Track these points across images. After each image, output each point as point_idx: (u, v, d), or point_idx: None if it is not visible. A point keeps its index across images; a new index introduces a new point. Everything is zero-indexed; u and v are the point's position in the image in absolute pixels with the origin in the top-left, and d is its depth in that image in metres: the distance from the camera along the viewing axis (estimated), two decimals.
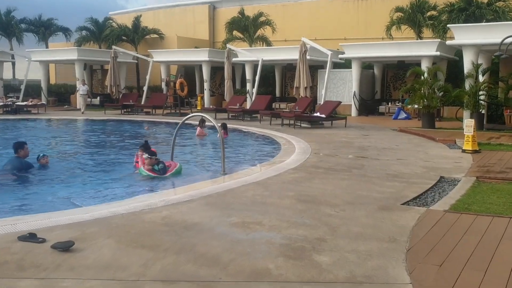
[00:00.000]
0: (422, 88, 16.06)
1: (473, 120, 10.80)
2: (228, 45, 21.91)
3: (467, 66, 15.99)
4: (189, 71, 31.14)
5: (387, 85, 25.20)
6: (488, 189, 6.93)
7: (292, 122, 16.37)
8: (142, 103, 24.19)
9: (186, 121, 9.43)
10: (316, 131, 15.34)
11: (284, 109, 25.83)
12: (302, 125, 17.01)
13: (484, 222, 5.17)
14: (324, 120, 16.71)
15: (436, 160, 9.49)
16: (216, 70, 28.45)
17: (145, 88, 24.46)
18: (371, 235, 4.72)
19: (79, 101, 23.18)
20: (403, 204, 6.04)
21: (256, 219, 5.17)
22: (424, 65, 20.81)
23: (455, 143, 12.40)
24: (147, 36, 31.65)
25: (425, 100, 15.79)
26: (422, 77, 16.39)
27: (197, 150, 12.50)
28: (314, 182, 7.19)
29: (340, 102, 16.91)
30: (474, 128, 10.65)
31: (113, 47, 25.00)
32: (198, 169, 9.12)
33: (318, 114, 16.64)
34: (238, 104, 19.99)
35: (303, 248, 4.30)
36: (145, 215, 5.32)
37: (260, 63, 21.55)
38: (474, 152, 10.52)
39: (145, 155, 8.18)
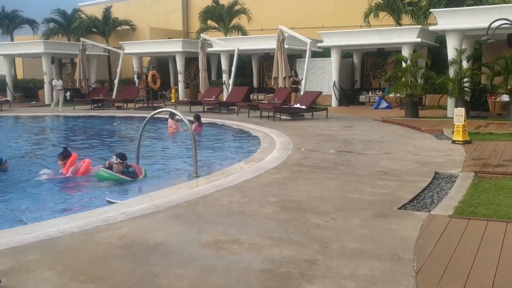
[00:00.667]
0: (405, 76, 15.42)
1: (463, 109, 10.16)
2: (202, 35, 20.93)
3: (451, 52, 15.39)
4: (162, 63, 30.07)
5: (366, 74, 24.60)
6: (491, 186, 6.25)
7: (271, 114, 15.57)
8: (113, 97, 23.08)
9: (157, 115, 8.56)
10: (296, 123, 14.58)
11: (262, 100, 25.03)
12: (282, 117, 16.24)
13: (498, 230, 4.46)
14: (305, 112, 15.95)
15: (427, 153, 8.81)
16: (191, 61, 27.46)
17: (116, 82, 23.33)
18: (370, 252, 3.96)
19: (55, 97, 21.59)
20: (400, 208, 5.30)
21: (233, 235, 4.35)
22: (405, 53, 20.18)
23: (443, 133, 11.79)
24: (118, 28, 30.39)
25: (408, 89, 15.15)
26: (405, 65, 15.73)
27: (168, 147, 11.59)
28: (298, 184, 6.41)
29: (320, 93, 16.18)
30: (464, 118, 10.01)
31: (81, 39, 23.76)
32: (167, 171, 8.21)
33: (298, 105, 15.87)
34: (214, 96, 19.08)
35: (289, 274, 3.51)
36: (100, 233, 4.46)
37: (236, 52, 20.65)
38: (465, 142, 9.89)
39: (115, 160, 7.28)
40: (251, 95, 25.86)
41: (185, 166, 8.42)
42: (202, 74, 20.78)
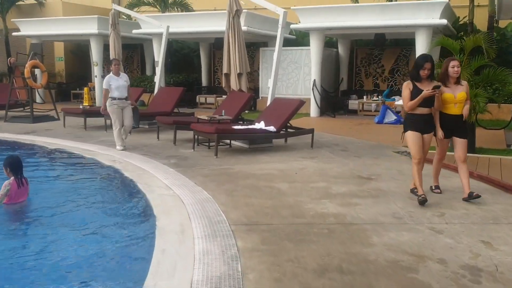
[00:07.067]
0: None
1: None
2: (114, 5, 13.49)
3: None
4: (80, 50, 22.62)
5: (357, 70, 17.77)
6: None
7: (213, 140, 8.39)
8: None
9: None
10: (259, 163, 7.50)
11: (212, 104, 17.92)
12: (233, 144, 9.18)
13: None
14: (275, 138, 8.97)
15: None
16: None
17: None
18: None
19: (113, 114, 8.85)
20: None
21: None
22: (420, 41, 13.58)
23: None
24: (20, 2, 22.47)
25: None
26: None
27: None
28: None
29: (302, 103, 9.14)
30: None
31: None
32: None
33: (262, 124, 8.82)
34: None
35: None
36: None
37: (165, 33, 13.38)
38: None
39: None
40: (197, 98, 18.72)
41: None
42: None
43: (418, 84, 5.36)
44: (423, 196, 5.19)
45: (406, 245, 4.03)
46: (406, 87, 5.44)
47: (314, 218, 4.73)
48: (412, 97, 5.31)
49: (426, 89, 5.21)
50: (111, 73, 8.89)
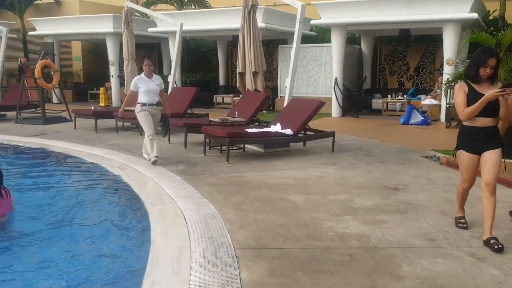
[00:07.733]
0: None
1: None
2: (127, 2, 13.03)
3: None
4: (99, 49, 22.31)
5: (381, 68, 16.98)
6: None
7: (225, 144, 7.78)
8: None
9: None
10: (273, 170, 6.88)
11: (229, 104, 17.38)
12: (247, 148, 8.59)
13: None
14: (292, 141, 8.33)
15: None
16: (136, 46, 19.49)
17: None
18: None
19: (145, 121, 7.50)
20: None
21: None
22: (449, 36, 12.78)
23: None
24: (38, 1, 22.29)
25: None
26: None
27: None
28: None
29: (322, 103, 8.50)
30: None
31: None
32: None
33: (278, 127, 8.20)
34: None
35: None
36: None
37: (179, 30, 12.86)
38: None
39: None
40: (214, 97, 18.20)
41: None
42: (128, 67, 12.95)
43: (475, 86, 4.05)
44: (462, 221, 4.42)
45: (442, 277, 3.37)
46: (460, 89, 4.09)
47: (334, 240, 4.09)
48: (469, 103, 4.01)
49: (492, 90, 3.89)
50: (142, 74, 7.52)
